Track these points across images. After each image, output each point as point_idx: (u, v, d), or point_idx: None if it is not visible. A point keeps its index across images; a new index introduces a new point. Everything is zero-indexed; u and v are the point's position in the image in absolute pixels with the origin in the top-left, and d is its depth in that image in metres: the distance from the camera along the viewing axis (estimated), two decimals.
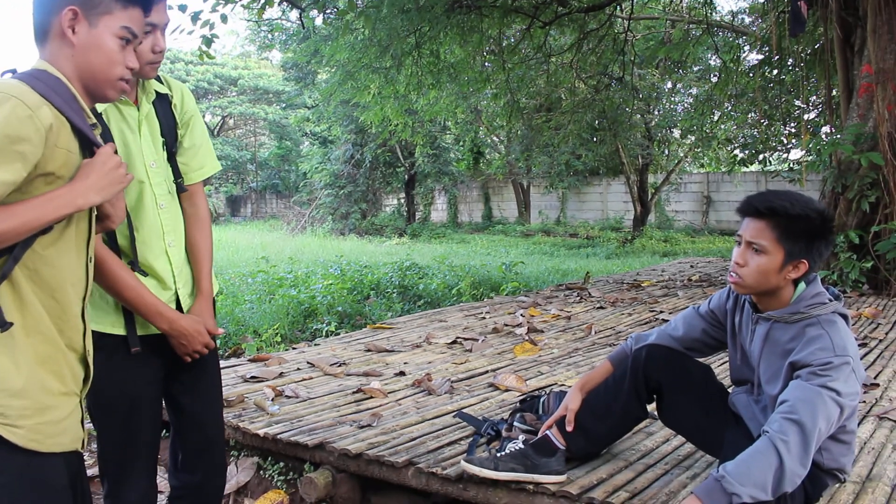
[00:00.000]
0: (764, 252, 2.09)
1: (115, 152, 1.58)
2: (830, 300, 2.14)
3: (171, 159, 2.13)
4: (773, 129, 14.47)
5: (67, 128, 1.47)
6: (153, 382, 2.15)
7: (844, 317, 2.15)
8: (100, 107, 1.94)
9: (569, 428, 2.55)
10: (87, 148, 1.53)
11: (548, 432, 2.59)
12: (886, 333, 5.11)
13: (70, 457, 1.59)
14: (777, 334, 2.16)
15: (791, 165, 14.29)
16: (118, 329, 2.02)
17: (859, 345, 4.74)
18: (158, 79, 2.11)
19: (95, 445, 2.20)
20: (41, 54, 1.57)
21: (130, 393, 2.06)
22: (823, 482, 2.21)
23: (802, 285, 2.17)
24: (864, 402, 3.43)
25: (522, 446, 2.56)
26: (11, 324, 1.44)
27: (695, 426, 2.50)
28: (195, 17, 8.08)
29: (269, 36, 28.02)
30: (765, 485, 1.90)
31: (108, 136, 1.94)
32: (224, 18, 8.27)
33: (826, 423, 1.96)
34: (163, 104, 2.11)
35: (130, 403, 2.07)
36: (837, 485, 2.34)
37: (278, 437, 3.08)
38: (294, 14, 11.59)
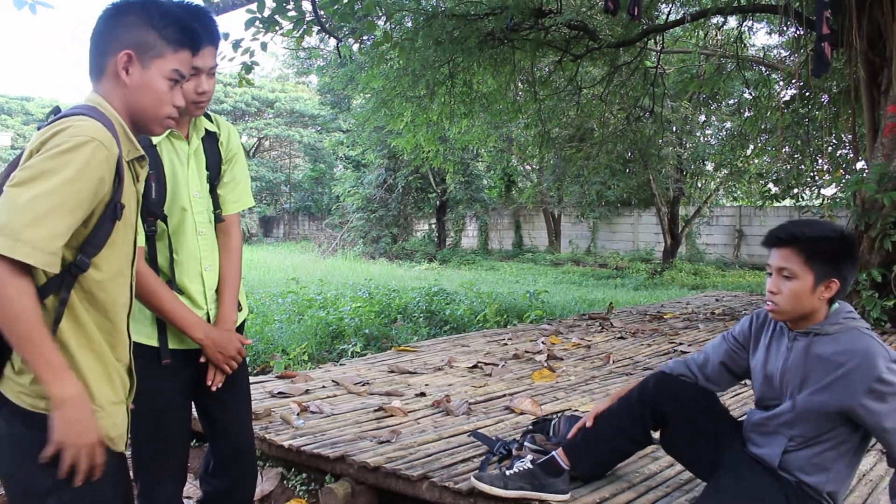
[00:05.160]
0: (794, 277, 2.20)
1: None
2: (855, 312, 2.30)
3: (213, 191, 2.34)
4: (805, 164, 14.48)
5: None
6: (184, 392, 2.34)
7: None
8: (155, 139, 2.15)
9: (588, 424, 2.71)
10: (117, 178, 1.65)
11: (554, 453, 2.73)
12: None
13: (119, 457, 1.76)
14: (819, 347, 2.23)
15: (824, 201, 14.25)
16: (153, 341, 2.21)
17: None
18: (210, 118, 2.33)
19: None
20: (95, 88, 1.71)
21: (163, 401, 2.24)
22: None
23: (836, 304, 2.27)
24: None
25: (530, 466, 2.71)
26: None
27: (696, 455, 2.58)
28: (236, 45, 8.37)
29: (307, 62, 28.56)
30: None
31: (156, 166, 2.14)
32: (264, 46, 8.55)
33: None
34: (211, 141, 2.33)
35: (162, 410, 2.25)
36: None
37: (302, 449, 3.27)
38: (332, 43, 11.91)
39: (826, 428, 2.24)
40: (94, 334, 1.67)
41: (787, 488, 2.29)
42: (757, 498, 2.24)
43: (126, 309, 1.77)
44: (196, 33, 1.79)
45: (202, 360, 2.27)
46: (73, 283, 1.61)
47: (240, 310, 2.43)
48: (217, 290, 2.36)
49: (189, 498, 2.99)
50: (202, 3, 6.07)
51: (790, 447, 2.30)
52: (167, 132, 2.20)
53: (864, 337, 2.19)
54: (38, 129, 1.60)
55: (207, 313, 2.31)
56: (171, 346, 2.23)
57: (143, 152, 1.77)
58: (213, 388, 2.32)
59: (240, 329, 2.44)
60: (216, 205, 2.35)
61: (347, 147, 26.00)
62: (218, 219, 2.36)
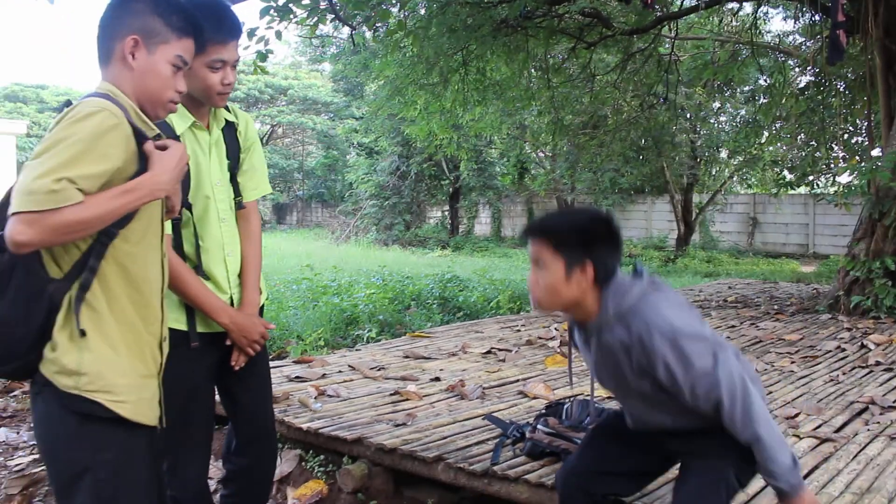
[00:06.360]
0: (546, 266, 2.07)
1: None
2: (634, 282, 2.10)
3: (233, 180, 2.41)
4: (820, 151, 14.43)
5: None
6: (208, 375, 2.42)
7: (656, 285, 2.12)
8: (178, 129, 2.22)
9: None
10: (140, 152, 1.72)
11: None
12: None
13: (153, 432, 1.84)
14: (606, 338, 2.09)
15: (839, 189, 14.21)
16: (181, 325, 2.28)
17: (885, 370, 4.84)
18: (227, 108, 2.39)
19: None
20: (104, 75, 1.80)
21: (188, 382, 2.31)
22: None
23: (606, 289, 2.08)
24: (879, 422, 3.57)
25: None
26: (84, 332, 1.66)
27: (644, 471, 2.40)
28: (251, 34, 8.41)
29: (321, 49, 28.57)
30: (781, 458, 1.95)
31: None
32: (278, 35, 8.59)
33: (727, 374, 1.96)
34: (230, 131, 2.40)
35: (188, 392, 2.32)
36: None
37: (320, 431, 3.35)
38: (345, 30, 11.95)
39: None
40: (126, 306, 1.74)
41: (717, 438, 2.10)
42: (728, 454, 2.07)
43: (159, 285, 1.84)
44: (199, 23, 1.86)
45: (228, 342, 2.35)
46: (103, 252, 1.68)
47: (259, 294, 2.50)
48: (240, 275, 2.43)
49: (210, 478, 3.07)
50: None
51: (675, 421, 2.14)
52: (190, 123, 2.26)
53: (638, 318, 2.02)
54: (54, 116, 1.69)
55: (231, 297, 2.38)
56: (198, 329, 2.30)
57: (158, 131, 1.84)
58: (236, 368, 2.39)
59: (259, 313, 2.51)
60: (237, 192, 2.42)
61: (361, 134, 26.04)
62: (238, 206, 2.42)
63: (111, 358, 1.70)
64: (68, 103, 1.71)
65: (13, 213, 1.50)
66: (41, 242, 1.54)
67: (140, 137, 1.70)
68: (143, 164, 1.70)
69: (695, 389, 1.97)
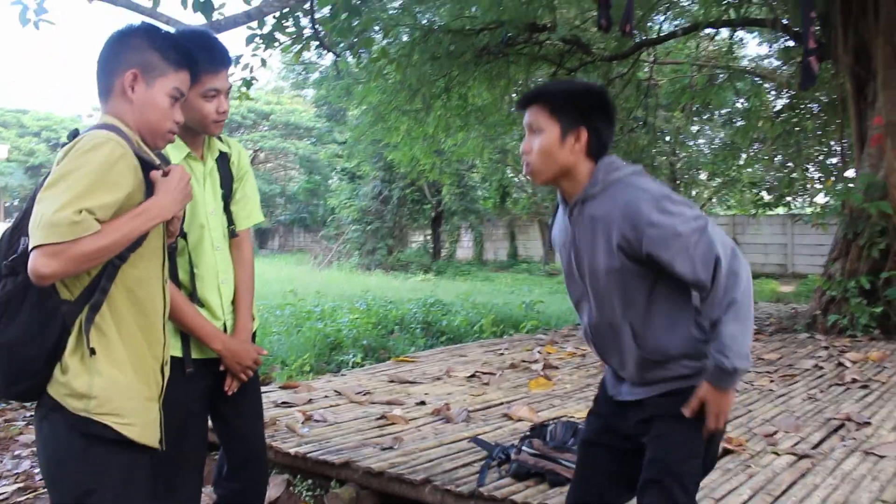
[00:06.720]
0: (541, 130, 2.06)
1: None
2: (627, 163, 2.10)
3: (227, 209, 2.47)
4: (796, 172, 14.67)
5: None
6: (202, 400, 2.46)
7: (647, 175, 2.09)
8: (173, 160, 2.28)
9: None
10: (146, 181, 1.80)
11: None
12: (890, 377, 5.29)
13: (154, 454, 1.88)
14: (591, 210, 2.05)
15: (815, 209, 14.46)
16: (176, 351, 2.33)
17: (861, 387, 4.94)
18: (220, 138, 2.46)
19: None
20: (105, 108, 1.87)
21: (184, 406, 2.35)
22: None
23: (599, 163, 2.08)
24: (855, 438, 3.66)
25: None
26: (93, 350, 1.71)
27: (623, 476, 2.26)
28: (236, 61, 8.50)
29: (303, 74, 28.65)
30: (745, 337, 1.91)
31: None
32: (263, 63, 8.68)
33: (720, 239, 1.96)
34: (223, 161, 2.47)
35: (182, 416, 2.36)
36: None
37: (307, 455, 3.39)
38: (328, 56, 12.06)
39: (646, 284, 2.03)
40: (133, 330, 1.80)
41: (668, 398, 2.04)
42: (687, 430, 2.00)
43: (162, 309, 1.90)
44: (193, 55, 1.95)
45: (221, 368, 2.40)
46: (115, 274, 1.74)
47: (252, 320, 2.55)
48: (233, 302, 2.49)
49: None
50: (205, 24, 6.21)
51: (628, 314, 2.06)
52: (185, 154, 2.33)
53: (625, 189, 2.00)
54: (61, 146, 1.76)
55: (224, 324, 2.44)
56: (193, 355, 2.35)
57: (158, 161, 1.90)
58: (229, 393, 2.44)
59: (252, 339, 2.56)
60: (230, 221, 2.48)
61: (343, 159, 26.09)
62: (232, 234, 2.49)
63: (119, 381, 1.76)
64: (76, 134, 1.78)
65: (35, 247, 1.57)
66: (64, 273, 1.61)
67: (146, 166, 1.78)
68: (150, 192, 1.78)
69: (689, 250, 1.92)
